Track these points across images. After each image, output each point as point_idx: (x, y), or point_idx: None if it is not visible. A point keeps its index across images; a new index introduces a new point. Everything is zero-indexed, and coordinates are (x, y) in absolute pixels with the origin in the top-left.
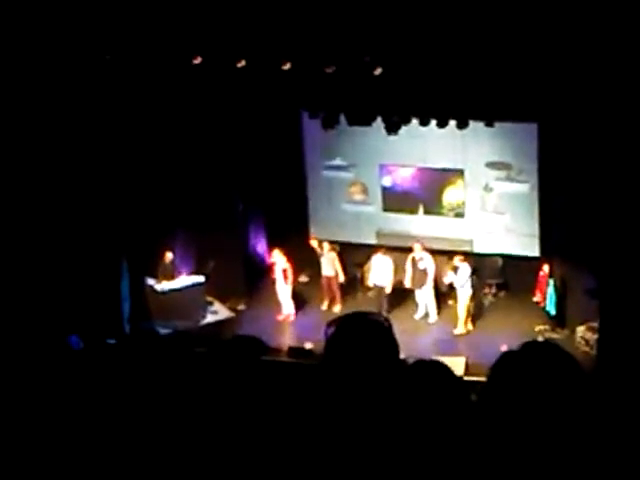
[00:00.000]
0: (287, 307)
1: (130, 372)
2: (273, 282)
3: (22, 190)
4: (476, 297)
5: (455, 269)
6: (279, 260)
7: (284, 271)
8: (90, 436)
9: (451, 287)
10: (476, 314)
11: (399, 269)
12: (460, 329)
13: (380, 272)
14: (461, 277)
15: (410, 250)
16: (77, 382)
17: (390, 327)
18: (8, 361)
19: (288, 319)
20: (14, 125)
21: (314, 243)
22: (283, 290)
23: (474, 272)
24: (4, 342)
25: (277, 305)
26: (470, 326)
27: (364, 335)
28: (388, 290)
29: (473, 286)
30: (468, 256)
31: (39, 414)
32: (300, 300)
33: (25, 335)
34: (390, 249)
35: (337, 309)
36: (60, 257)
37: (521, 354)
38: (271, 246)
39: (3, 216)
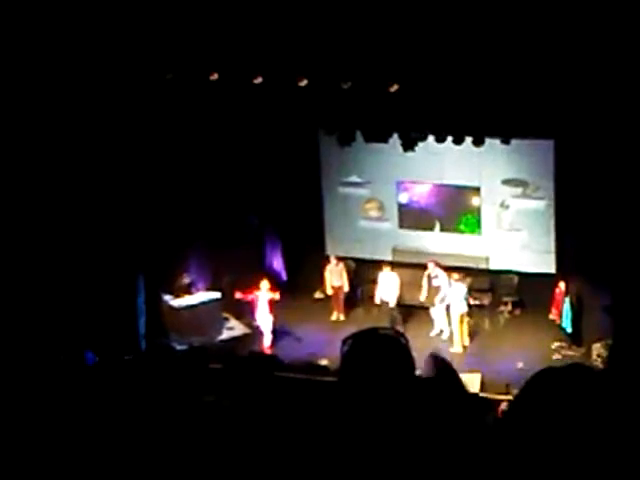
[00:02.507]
0: (268, 339)
1: (146, 387)
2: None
3: (40, 205)
4: (492, 315)
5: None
6: (266, 291)
7: (270, 302)
8: (105, 449)
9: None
10: (492, 331)
11: (415, 286)
12: (457, 348)
13: (386, 288)
14: (456, 295)
15: (423, 267)
16: (91, 396)
17: (407, 343)
18: (23, 375)
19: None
20: (33, 141)
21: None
22: (266, 321)
23: (490, 290)
24: (20, 356)
25: (293, 320)
26: (467, 342)
27: (380, 351)
28: (392, 305)
29: (469, 305)
30: (479, 274)
31: (52, 427)
32: (315, 316)
33: (41, 350)
34: (406, 266)
35: (341, 318)
36: (77, 272)
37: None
38: (286, 264)
39: (20, 231)
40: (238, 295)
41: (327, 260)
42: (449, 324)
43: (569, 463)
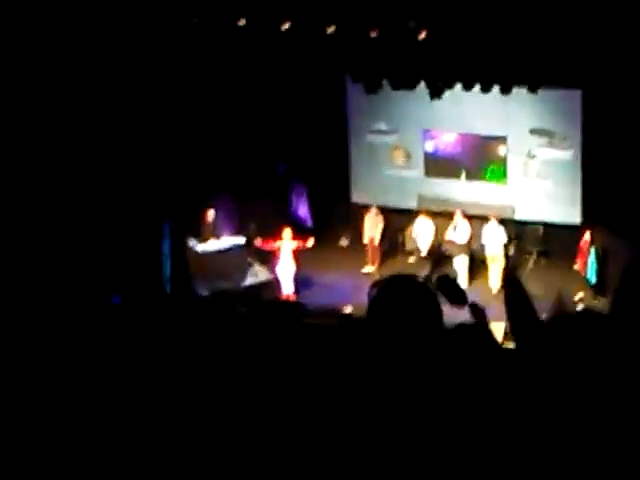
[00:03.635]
0: (288, 287)
1: (171, 330)
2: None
3: (66, 152)
4: (516, 264)
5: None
6: (289, 239)
7: (294, 250)
8: (128, 390)
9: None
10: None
11: (440, 235)
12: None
13: (422, 235)
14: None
15: (451, 215)
16: (118, 337)
17: (435, 291)
18: (51, 320)
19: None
20: (64, 81)
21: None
22: (289, 270)
23: (516, 239)
24: (48, 301)
25: (318, 269)
26: (498, 284)
27: (408, 297)
28: (423, 253)
29: (505, 246)
30: (505, 223)
31: (76, 369)
32: (340, 264)
33: (69, 294)
34: (431, 214)
35: (373, 270)
36: (103, 218)
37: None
38: (312, 211)
39: (48, 178)
40: (258, 243)
41: (366, 209)
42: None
43: (579, 404)
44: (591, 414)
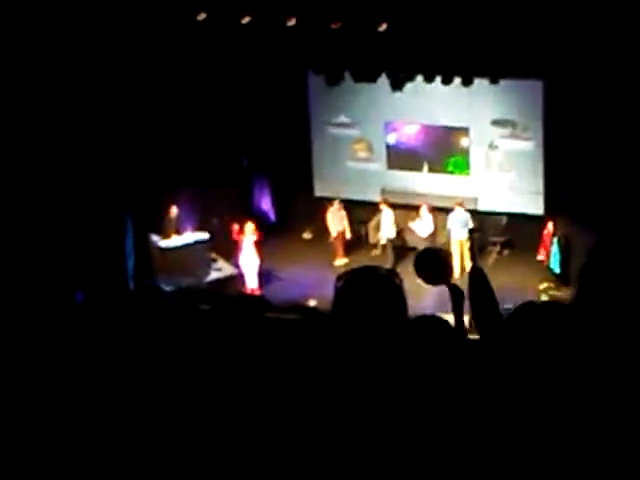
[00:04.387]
0: (252, 281)
1: (133, 329)
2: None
3: (26, 146)
4: (480, 255)
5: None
6: (251, 233)
7: (256, 244)
8: (93, 389)
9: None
10: None
11: (403, 227)
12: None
13: (385, 226)
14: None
15: (415, 208)
16: (80, 335)
17: (401, 283)
18: (12, 317)
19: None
20: (17, 82)
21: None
22: (252, 264)
23: (479, 230)
24: (9, 298)
25: (282, 262)
26: (467, 268)
27: (373, 289)
28: (383, 242)
29: (470, 231)
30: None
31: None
32: (304, 257)
33: (30, 291)
34: (394, 207)
35: (341, 263)
36: (64, 213)
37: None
38: (275, 204)
39: (7, 173)
40: (234, 234)
41: (330, 203)
42: None
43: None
44: (553, 404)
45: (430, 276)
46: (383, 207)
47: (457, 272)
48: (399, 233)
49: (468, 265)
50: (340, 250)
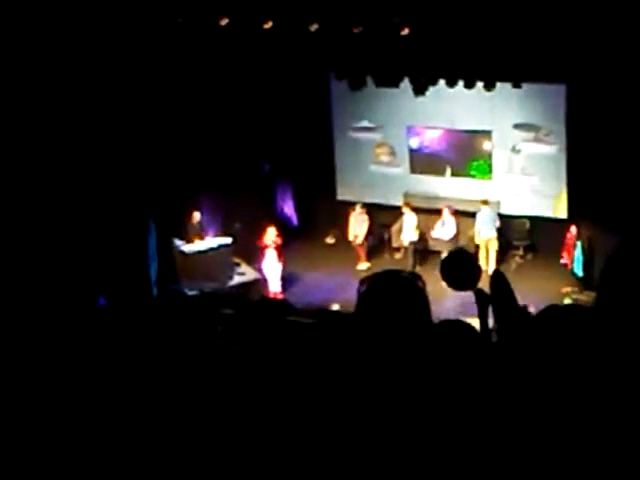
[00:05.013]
0: (275, 286)
1: (156, 333)
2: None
3: (51, 149)
4: (503, 259)
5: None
6: (274, 238)
7: (278, 249)
8: (113, 393)
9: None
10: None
11: (426, 231)
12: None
13: (407, 230)
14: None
15: (437, 212)
16: (102, 340)
17: (424, 286)
18: (35, 322)
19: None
20: (43, 80)
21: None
22: (275, 268)
23: (502, 234)
24: (31, 303)
25: (305, 266)
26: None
27: (396, 293)
28: (409, 249)
29: (498, 229)
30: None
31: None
32: (327, 261)
33: (55, 296)
34: (417, 210)
35: (363, 267)
36: (88, 218)
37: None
38: (298, 209)
39: (32, 178)
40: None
41: (352, 207)
42: None
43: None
44: (575, 407)
45: (457, 281)
46: (406, 211)
47: (491, 270)
48: (421, 237)
49: (492, 267)
50: (362, 254)
